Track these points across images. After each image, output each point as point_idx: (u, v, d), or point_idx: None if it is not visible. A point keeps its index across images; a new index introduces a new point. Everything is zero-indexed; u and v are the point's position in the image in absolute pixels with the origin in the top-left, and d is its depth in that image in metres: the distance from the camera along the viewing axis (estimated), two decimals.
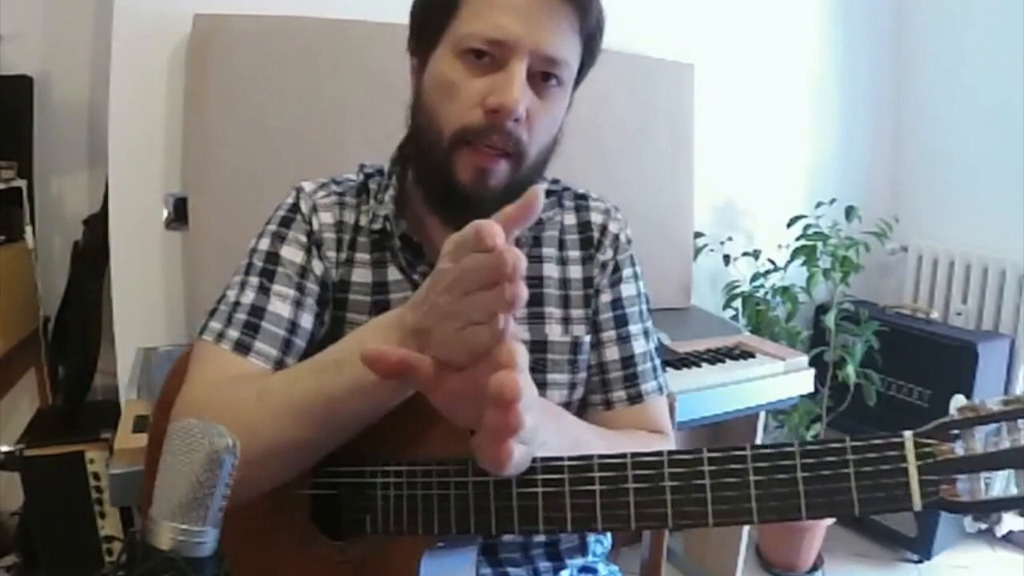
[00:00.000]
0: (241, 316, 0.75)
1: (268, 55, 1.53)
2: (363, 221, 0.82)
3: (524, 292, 0.49)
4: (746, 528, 1.91)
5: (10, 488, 1.66)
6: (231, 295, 0.78)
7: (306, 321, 0.78)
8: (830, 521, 2.13)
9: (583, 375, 0.85)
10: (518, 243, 0.80)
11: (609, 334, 0.85)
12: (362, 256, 0.82)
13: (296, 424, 0.64)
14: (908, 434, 0.52)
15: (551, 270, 0.85)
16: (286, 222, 0.81)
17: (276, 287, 0.78)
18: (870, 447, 0.53)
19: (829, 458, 0.53)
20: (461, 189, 0.73)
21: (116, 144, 1.53)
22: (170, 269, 1.60)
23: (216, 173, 1.53)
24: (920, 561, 2.19)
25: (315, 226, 0.81)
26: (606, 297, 0.85)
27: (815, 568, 2.16)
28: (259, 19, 1.53)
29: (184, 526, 0.47)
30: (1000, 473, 0.51)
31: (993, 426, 0.52)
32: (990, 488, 0.51)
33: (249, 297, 0.77)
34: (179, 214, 1.57)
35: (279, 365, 0.75)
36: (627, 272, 0.87)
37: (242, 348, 0.74)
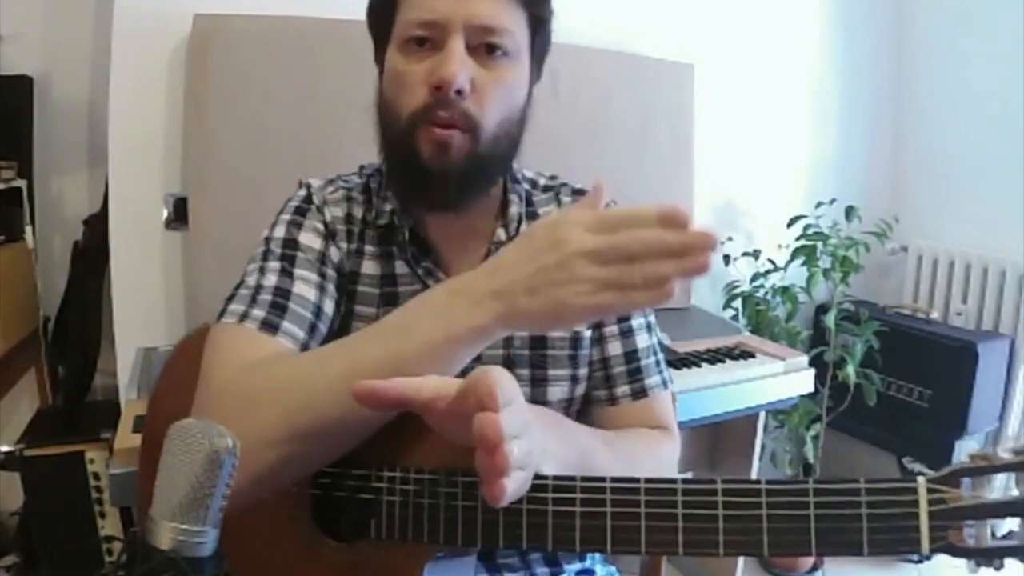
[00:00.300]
0: (266, 297, 0.74)
1: (268, 55, 1.53)
2: (369, 216, 0.83)
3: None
4: None
5: (10, 488, 1.66)
6: (251, 280, 0.76)
7: (328, 307, 0.77)
8: None
9: (584, 370, 0.84)
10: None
11: (611, 329, 0.85)
12: (371, 249, 0.82)
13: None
14: (922, 480, 0.53)
15: None
16: (300, 211, 0.82)
17: (298, 271, 0.77)
18: (884, 490, 0.54)
19: (842, 498, 0.54)
20: (425, 166, 0.74)
21: (116, 144, 1.53)
22: (170, 269, 1.60)
23: (216, 173, 1.53)
24: (920, 561, 2.19)
25: (328, 217, 0.82)
26: None
27: (815, 568, 2.16)
28: (259, 19, 1.53)
29: (184, 526, 0.47)
30: (1005, 521, 0.53)
31: (1003, 475, 0.53)
32: (996, 535, 0.53)
33: (271, 280, 0.75)
34: (179, 214, 1.57)
35: (304, 349, 0.73)
36: None
37: (270, 327, 0.71)
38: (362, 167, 0.89)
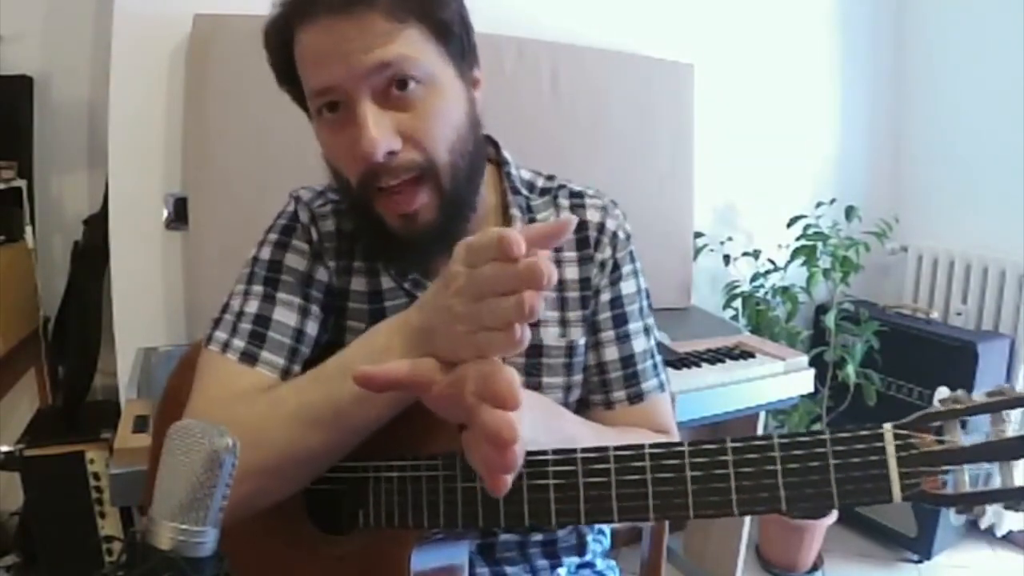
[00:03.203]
0: (246, 326, 0.75)
1: None
2: (352, 229, 0.82)
3: (542, 303, 0.49)
4: (746, 528, 1.91)
5: (10, 488, 1.66)
6: (235, 304, 0.77)
7: (311, 328, 0.78)
8: (830, 521, 2.13)
9: (579, 377, 0.83)
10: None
11: (608, 334, 0.83)
12: (359, 264, 0.81)
13: (307, 433, 0.64)
14: (888, 426, 0.52)
15: None
16: (287, 231, 0.81)
17: (281, 295, 0.77)
18: (849, 439, 0.52)
19: (808, 451, 0.53)
20: (395, 234, 0.72)
21: (116, 144, 1.53)
22: (170, 269, 1.60)
23: (216, 173, 1.53)
24: (920, 561, 2.19)
25: (314, 236, 0.81)
26: (605, 296, 0.83)
27: (815, 568, 2.16)
28: (259, 19, 1.51)
29: (184, 526, 0.47)
30: (984, 466, 0.51)
31: (977, 418, 0.51)
32: (975, 481, 0.51)
33: (253, 306, 0.76)
34: (179, 214, 1.57)
35: (286, 373, 0.74)
36: (627, 269, 0.85)
37: (249, 358, 0.74)
38: None
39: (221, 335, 0.75)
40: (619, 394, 0.83)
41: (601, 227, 0.84)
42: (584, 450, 0.59)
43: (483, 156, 0.79)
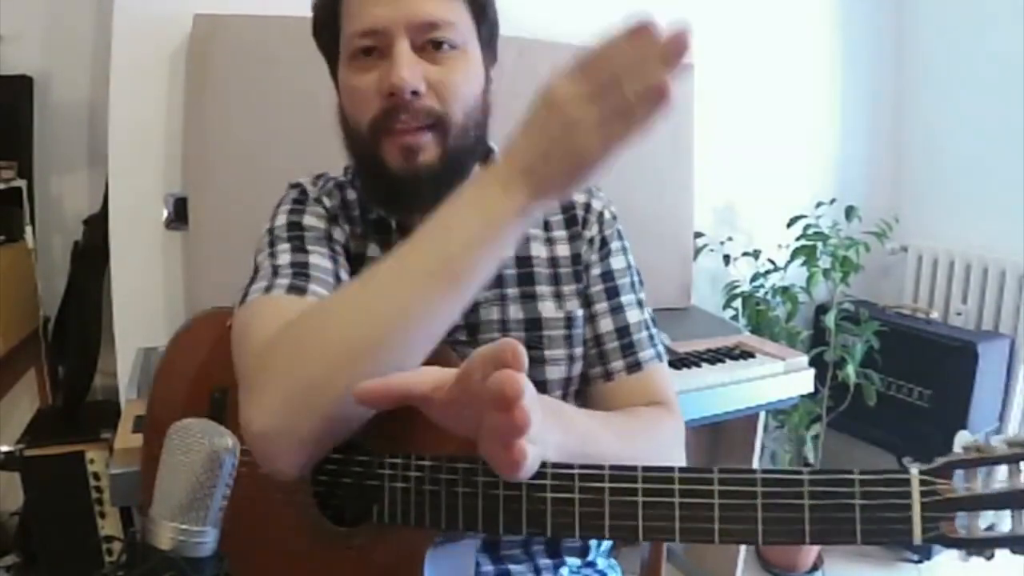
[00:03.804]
0: (287, 270, 0.74)
1: (268, 55, 1.53)
2: (359, 209, 0.85)
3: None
4: None
5: (10, 488, 1.66)
6: (265, 264, 0.76)
7: (345, 277, 0.78)
8: None
9: (580, 350, 0.85)
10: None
11: (602, 306, 0.85)
12: (372, 234, 0.84)
13: (421, 291, 0.61)
14: (915, 471, 0.54)
15: (538, 249, 0.86)
16: (299, 201, 0.84)
17: (311, 247, 0.78)
18: (877, 481, 0.54)
19: (837, 488, 0.55)
20: (394, 174, 0.75)
21: (116, 144, 1.53)
22: (170, 269, 1.60)
23: (216, 173, 1.53)
24: (920, 561, 2.19)
25: (327, 204, 0.84)
26: (596, 271, 0.86)
27: (815, 568, 2.16)
28: (259, 19, 1.53)
29: (184, 526, 0.47)
30: (998, 512, 0.53)
31: (997, 467, 0.54)
32: (988, 527, 0.53)
33: (286, 259, 0.75)
34: (179, 214, 1.57)
35: None
36: (615, 245, 0.88)
37: (298, 291, 0.72)
38: (347, 168, 0.90)
39: (260, 284, 0.73)
40: (617, 364, 0.84)
41: (587, 207, 0.88)
42: (613, 467, 0.59)
43: (486, 137, 0.82)
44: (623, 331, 0.85)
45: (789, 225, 2.15)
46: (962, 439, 0.55)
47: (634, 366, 0.84)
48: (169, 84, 1.55)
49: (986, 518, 0.53)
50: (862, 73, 2.50)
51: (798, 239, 2.11)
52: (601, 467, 0.60)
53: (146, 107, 1.55)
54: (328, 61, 0.82)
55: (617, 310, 0.86)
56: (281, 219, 0.82)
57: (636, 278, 0.89)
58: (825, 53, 2.43)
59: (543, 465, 0.59)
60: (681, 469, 0.58)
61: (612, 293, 0.86)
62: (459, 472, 0.63)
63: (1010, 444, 0.53)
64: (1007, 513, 0.53)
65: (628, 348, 0.85)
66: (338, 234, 0.82)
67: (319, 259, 0.76)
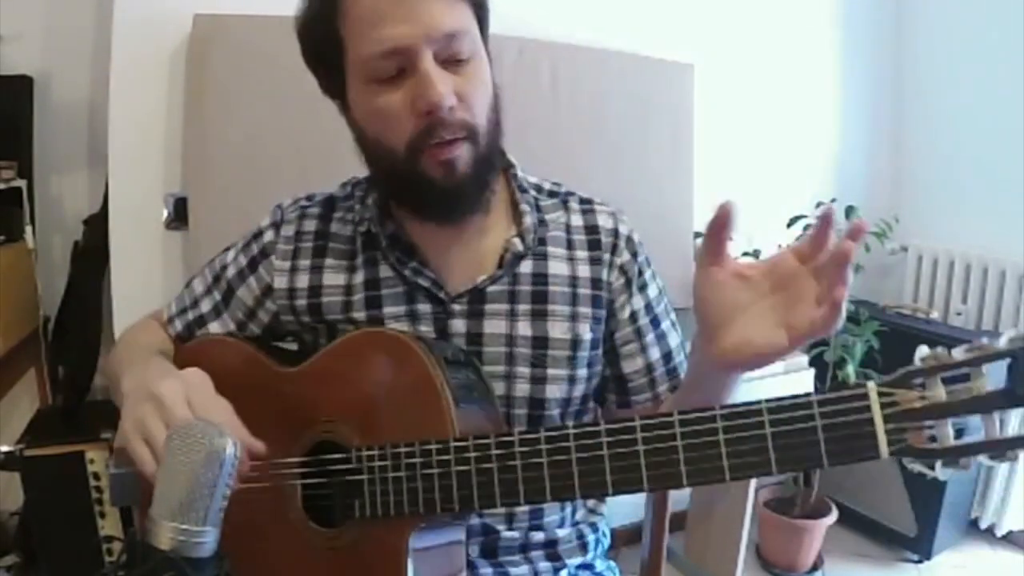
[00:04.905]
0: (190, 317, 0.93)
1: (268, 55, 1.53)
2: (334, 228, 0.87)
3: None
4: (746, 528, 1.91)
5: (10, 488, 1.66)
6: (198, 288, 0.95)
7: (216, 327, 0.91)
8: (830, 521, 2.13)
9: (583, 372, 0.85)
10: (522, 254, 0.83)
11: (649, 337, 0.88)
12: (334, 262, 0.85)
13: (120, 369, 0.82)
14: (871, 384, 0.53)
15: (558, 267, 0.85)
16: (256, 236, 0.91)
17: (226, 311, 0.91)
18: (835, 399, 0.54)
19: (796, 413, 0.54)
20: (436, 186, 0.75)
21: (116, 144, 1.53)
22: (170, 269, 1.60)
23: (216, 173, 1.53)
24: (920, 561, 2.19)
25: (271, 237, 0.88)
26: (639, 302, 0.88)
27: (815, 568, 2.16)
28: (259, 19, 1.53)
29: (184, 526, 0.47)
30: (968, 419, 0.52)
31: (958, 373, 0.52)
32: (959, 435, 0.52)
33: (206, 307, 0.93)
34: (179, 214, 1.57)
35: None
36: (648, 274, 0.90)
37: (170, 322, 0.95)
38: (344, 184, 0.92)
39: (174, 308, 0.95)
40: (663, 387, 0.88)
41: (615, 232, 0.88)
42: (576, 426, 0.62)
43: (501, 134, 0.82)
44: (668, 357, 0.89)
45: (789, 225, 2.15)
46: (921, 352, 0.54)
47: (677, 387, 0.88)
48: (169, 84, 1.55)
49: (961, 430, 0.52)
50: (862, 73, 2.50)
51: (798, 239, 2.11)
52: (565, 427, 0.62)
53: (146, 107, 1.55)
54: (321, 76, 0.82)
55: (661, 338, 0.89)
56: (227, 255, 0.93)
57: (666, 299, 0.92)
58: (825, 53, 2.43)
59: (510, 435, 0.62)
60: (642, 417, 0.59)
61: (656, 323, 0.89)
62: (432, 454, 0.64)
63: (968, 350, 0.52)
64: (978, 420, 0.51)
65: (673, 372, 0.89)
66: (252, 282, 0.90)
67: (216, 327, 0.91)
